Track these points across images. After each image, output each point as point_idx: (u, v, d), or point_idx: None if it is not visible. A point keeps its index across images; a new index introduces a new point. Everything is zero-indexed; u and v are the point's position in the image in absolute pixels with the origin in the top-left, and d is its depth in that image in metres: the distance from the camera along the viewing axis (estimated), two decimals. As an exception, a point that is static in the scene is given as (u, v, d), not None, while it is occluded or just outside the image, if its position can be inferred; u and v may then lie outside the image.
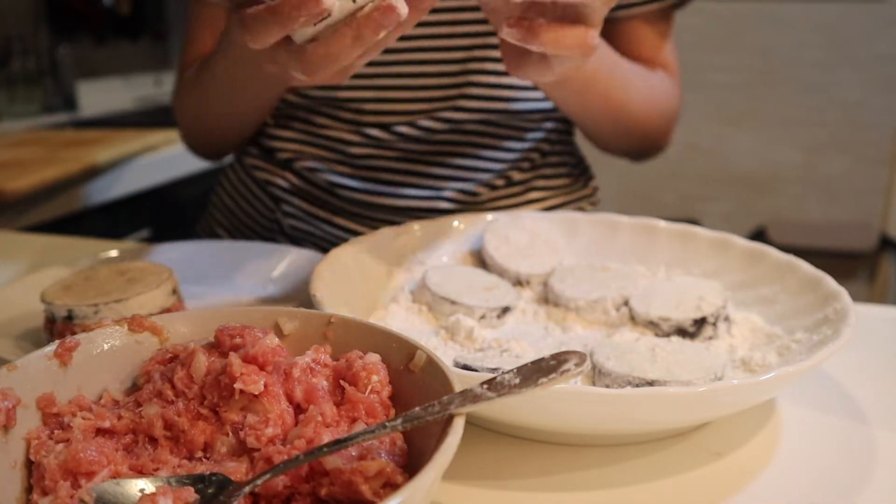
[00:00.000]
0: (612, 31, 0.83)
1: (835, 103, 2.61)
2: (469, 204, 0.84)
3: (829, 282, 0.57)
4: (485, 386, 0.35)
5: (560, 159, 0.89)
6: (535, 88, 0.83)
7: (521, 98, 0.82)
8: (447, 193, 0.83)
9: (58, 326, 0.54)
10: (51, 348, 0.39)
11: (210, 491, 0.34)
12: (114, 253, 0.69)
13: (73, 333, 0.41)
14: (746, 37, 2.64)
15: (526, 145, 0.85)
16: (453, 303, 0.60)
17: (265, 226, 0.90)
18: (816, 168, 2.67)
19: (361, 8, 0.47)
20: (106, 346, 0.41)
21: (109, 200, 1.59)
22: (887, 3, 2.49)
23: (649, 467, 0.46)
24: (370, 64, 0.76)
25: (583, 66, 0.57)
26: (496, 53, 0.79)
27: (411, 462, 0.36)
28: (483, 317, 0.60)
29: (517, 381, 0.34)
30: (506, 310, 0.61)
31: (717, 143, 2.74)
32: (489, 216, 0.71)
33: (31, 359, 0.38)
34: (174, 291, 0.58)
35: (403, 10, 0.47)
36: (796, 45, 2.60)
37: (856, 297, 0.55)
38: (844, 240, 2.56)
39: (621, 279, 0.63)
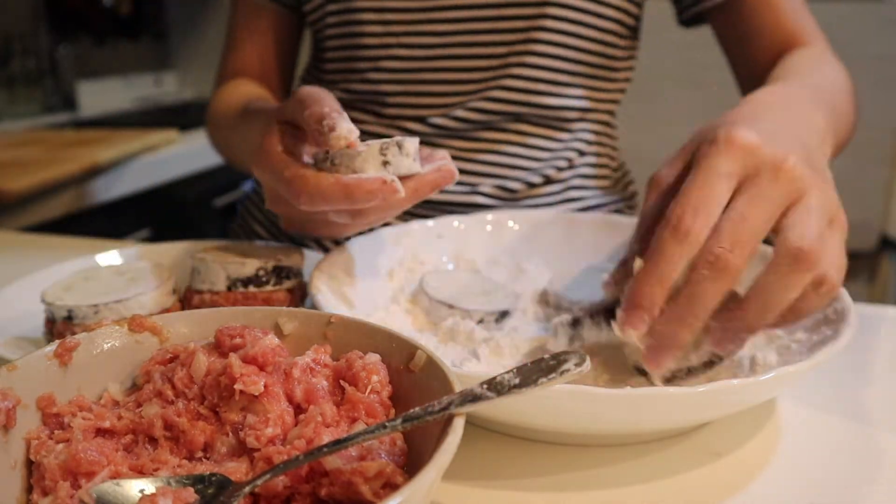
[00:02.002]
0: (744, 11, 0.81)
1: (835, 103, 2.60)
2: (507, 200, 0.84)
3: (829, 282, 0.57)
4: (485, 386, 0.35)
5: (599, 160, 0.89)
6: (569, 85, 0.83)
7: (556, 93, 0.83)
8: (484, 189, 0.84)
9: (58, 326, 0.54)
10: (51, 348, 0.39)
11: (210, 491, 0.34)
12: (114, 253, 0.69)
13: (73, 333, 0.41)
14: (746, 37, 2.64)
15: (560, 144, 0.85)
16: (451, 307, 0.59)
17: None
18: (816, 168, 2.66)
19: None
20: (106, 346, 0.41)
21: (109, 200, 1.59)
22: (887, 3, 2.49)
23: (649, 467, 0.46)
24: (406, 58, 0.81)
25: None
26: (538, 48, 0.80)
27: (411, 462, 0.36)
28: (481, 321, 0.59)
29: (517, 381, 0.34)
30: (504, 314, 0.61)
31: (717, 143, 2.74)
32: (485, 222, 0.71)
33: (31, 359, 0.38)
34: (174, 291, 0.58)
35: (399, 192, 0.49)
36: (796, 45, 2.59)
37: (856, 297, 0.55)
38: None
39: (621, 279, 0.63)
